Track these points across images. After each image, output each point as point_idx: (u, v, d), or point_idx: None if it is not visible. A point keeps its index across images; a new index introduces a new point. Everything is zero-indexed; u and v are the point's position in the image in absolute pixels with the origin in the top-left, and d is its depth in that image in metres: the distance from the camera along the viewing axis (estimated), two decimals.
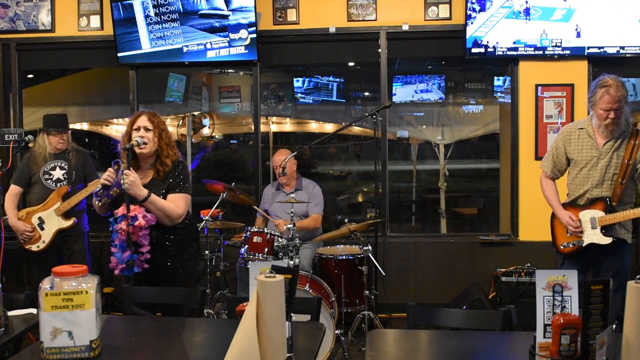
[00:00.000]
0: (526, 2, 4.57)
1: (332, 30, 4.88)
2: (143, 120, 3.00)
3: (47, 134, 4.09)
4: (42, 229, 4.01)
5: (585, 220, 3.26)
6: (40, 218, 4.01)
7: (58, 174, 4.07)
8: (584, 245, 3.26)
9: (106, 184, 2.92)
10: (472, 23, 4.63)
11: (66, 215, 4.02)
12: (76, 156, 4.14)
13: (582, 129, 3.34)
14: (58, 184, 4.06)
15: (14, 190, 4.11)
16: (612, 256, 3.25)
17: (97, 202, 3.04)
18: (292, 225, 3.88)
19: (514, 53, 4.67)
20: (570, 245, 3.31)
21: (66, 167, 4.10)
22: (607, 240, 3.19)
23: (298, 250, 3.94)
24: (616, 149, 3.23)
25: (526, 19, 4.59)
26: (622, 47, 4.57)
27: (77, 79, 6.46)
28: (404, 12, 4.84)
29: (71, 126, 4.39)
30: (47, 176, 4.07)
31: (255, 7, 4.67)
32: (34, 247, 4.02)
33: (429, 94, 6.55)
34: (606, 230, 3.20)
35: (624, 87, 3.17)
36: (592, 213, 3.25)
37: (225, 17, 4.72)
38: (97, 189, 2.97)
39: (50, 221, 4.01)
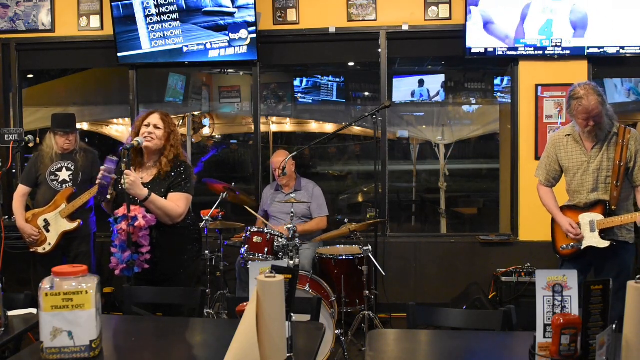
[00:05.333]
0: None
1: (332, 30, 4.88)
2: (155, 118, 3.03)
3: (54, 134, 4.04)
4: (48, 231, 3.98)
5: (585, 222, 3.25)
6: (45, 220, 3.97)
7: (64, 175, 4.03)
8: (582, 248, 3.25)
9: (103, 184, 2.84)
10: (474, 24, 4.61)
11: (72, 217, 3.98)
12: (84, 157, 4.08)
13: (568, 135, 3.32)
14: (64, 186, 4.02)
15: (21, 190, 4.07)
16: (612, 259, 3.24)
17: (103, 202, 3.06)
18: (292, 225, 3.89)
19: (514, 53, 4.66)
20: (569, 247, 3.31)
21: (73, 168, 4.05)
22: (605, 244, 3.17)
23: (298, 250, 3.94)
24: (605, 150, 3.20)
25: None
26: (622, 47, 4.56)
27: (77, 79, 6.45)
28: (404, 12, 4.84)
29: None
30: (52, 177, 4.02)
31: (255, 6, 4.68)
32: (40, 250, 4.00)
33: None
34: (605, 233, 3.19)
35: (597, 92, 3.08)
36: (591, 216, 3.24)
37: (231, 14, 4.71)
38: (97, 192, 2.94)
39: (55, 223, 3.97)
